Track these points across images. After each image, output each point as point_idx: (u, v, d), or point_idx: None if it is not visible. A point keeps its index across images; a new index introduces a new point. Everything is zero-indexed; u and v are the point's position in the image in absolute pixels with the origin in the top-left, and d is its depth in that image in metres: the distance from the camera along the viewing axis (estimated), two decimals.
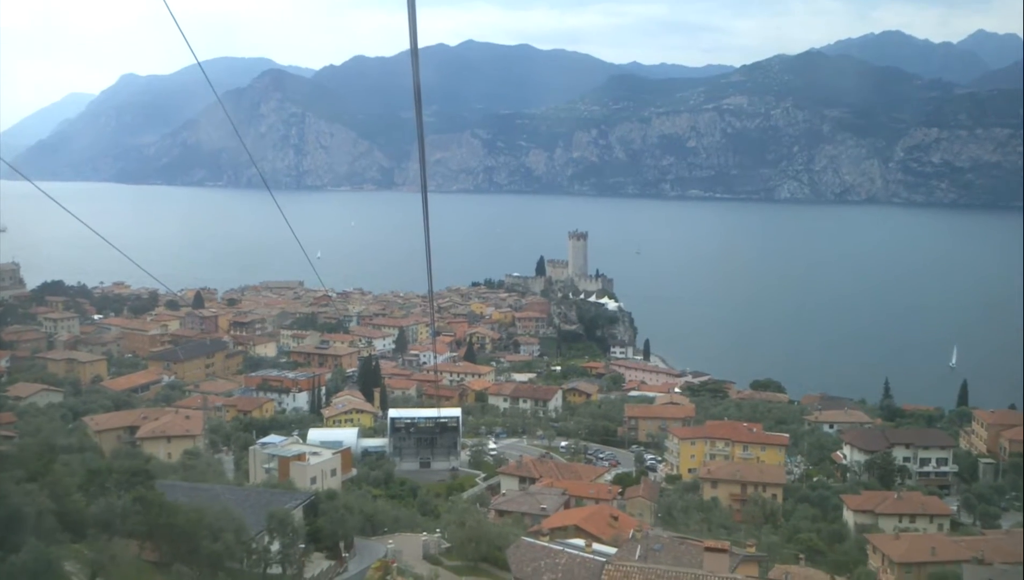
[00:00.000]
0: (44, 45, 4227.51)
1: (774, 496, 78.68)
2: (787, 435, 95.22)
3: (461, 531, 45.22)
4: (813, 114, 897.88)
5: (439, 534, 49.24)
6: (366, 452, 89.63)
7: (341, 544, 44.44)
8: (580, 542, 35.09)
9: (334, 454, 65.47)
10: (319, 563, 41.96)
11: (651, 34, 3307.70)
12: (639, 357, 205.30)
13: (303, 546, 38.96)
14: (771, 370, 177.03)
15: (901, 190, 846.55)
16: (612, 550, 34.79)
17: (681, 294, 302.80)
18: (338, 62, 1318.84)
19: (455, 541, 46.30)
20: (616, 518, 50.20)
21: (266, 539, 37.03)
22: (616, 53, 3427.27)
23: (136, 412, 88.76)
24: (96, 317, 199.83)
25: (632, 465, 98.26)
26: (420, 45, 10.38)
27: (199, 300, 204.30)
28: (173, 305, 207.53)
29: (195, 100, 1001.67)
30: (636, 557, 31.03)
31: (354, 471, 71.17)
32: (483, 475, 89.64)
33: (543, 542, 33.35)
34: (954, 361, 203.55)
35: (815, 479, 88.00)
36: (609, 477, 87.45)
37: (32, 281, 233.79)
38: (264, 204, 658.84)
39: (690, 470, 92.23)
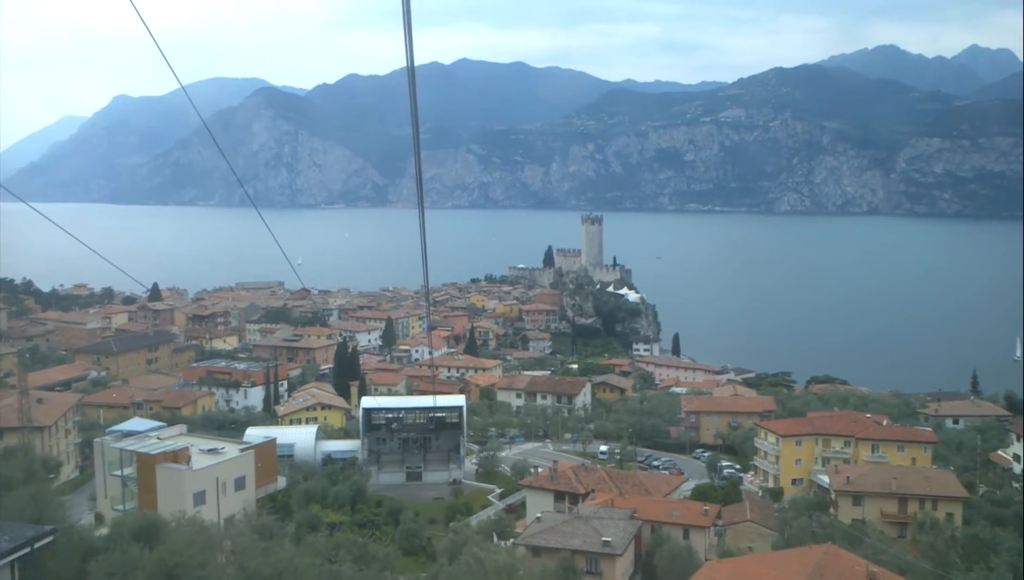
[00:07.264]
0: (37, 70, 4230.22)
1: (949, 516, 51.35)
2: (931, 430, 67.80)
3: None
4: (812, 126, 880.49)
5: None
6: (329, 459, 61.94)
7: None
8: None
9: (242, 451, 37.50)
10: None
11: (644, 53, 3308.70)
12: (666, 354, 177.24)
13: None
14: (817, 368, 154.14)
15: (904, 201, 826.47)
16: None
17: (700, 295, 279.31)
18: (331, 81, 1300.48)
19: None
20: (874, 575, 21.93)
21: None
22: (610, 71, 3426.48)
23: None
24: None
25: (705, 474, 70.60)
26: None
27: (156, 294, 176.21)
28: (129, 301, 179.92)
29: (187, 120, 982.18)
30: None
31: (281, 481, 42.88)
32: (498, 491, 62.12)
33: None
34: (1019, 353, 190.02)
35: (982, 490, 60.64)
36: (680, 493, 59.81)
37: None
38: (253, 222, 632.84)
39: (794, 480, 64.88)
